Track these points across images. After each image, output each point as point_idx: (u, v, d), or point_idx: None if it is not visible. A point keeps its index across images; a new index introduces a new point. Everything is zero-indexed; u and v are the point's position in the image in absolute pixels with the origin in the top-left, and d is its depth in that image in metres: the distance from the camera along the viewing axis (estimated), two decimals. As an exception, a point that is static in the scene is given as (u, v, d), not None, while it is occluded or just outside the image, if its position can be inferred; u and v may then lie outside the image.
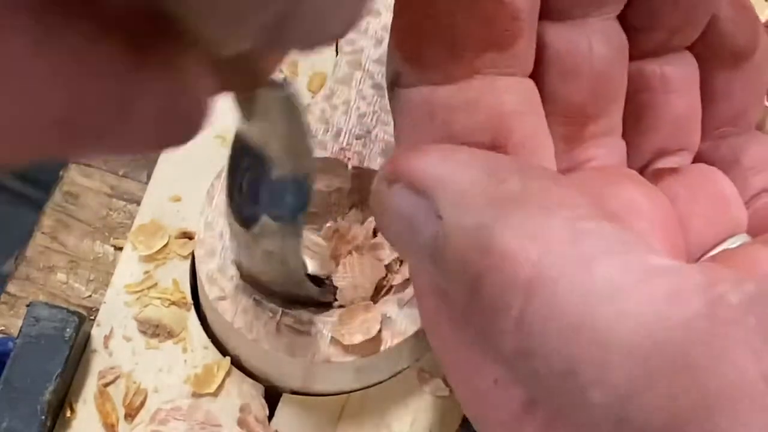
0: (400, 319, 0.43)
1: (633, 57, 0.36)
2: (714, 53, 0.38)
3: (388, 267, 0.45)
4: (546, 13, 0.34)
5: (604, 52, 0.35)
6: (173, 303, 0.47)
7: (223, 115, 0.49)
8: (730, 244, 0.36)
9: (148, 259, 0.47)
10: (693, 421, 0.25)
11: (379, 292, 0.44)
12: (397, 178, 0.33)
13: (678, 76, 0.37)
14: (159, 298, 0.47)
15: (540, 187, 0.30)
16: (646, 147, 0.38)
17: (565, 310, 0.27)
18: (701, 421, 0.25)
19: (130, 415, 0.45)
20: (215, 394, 0.45)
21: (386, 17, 0.48)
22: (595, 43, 0.35)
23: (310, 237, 0.45)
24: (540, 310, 0.28)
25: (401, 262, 0.45)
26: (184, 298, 0.47)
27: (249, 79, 0.32)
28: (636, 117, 0.37)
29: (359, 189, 0.46)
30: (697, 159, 0.39)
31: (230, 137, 0.49)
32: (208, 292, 0.44)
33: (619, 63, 0.36)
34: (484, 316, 0.29)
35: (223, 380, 0.45)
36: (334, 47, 0.50)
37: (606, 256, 0.27)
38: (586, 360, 0.27)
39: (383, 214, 0.33)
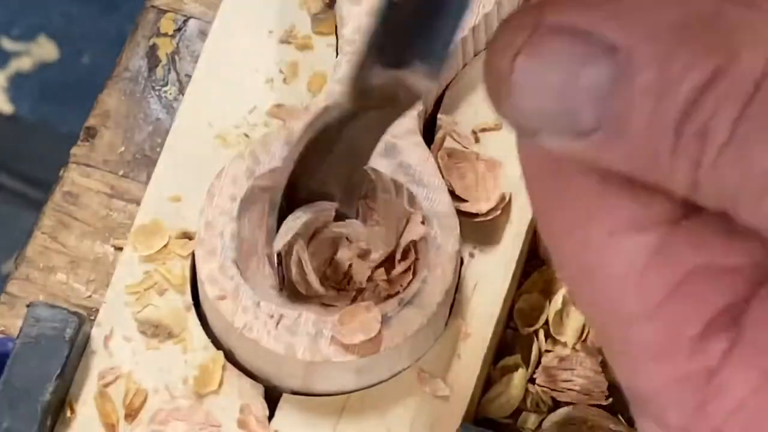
0: (400, 319, 0.43)
1: None
2: None
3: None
4: None
5: None
6: (172, 286, 0.47)
7: (224, 115, 0.49)
8: None
9: (148, 259, 0.47)
10: None
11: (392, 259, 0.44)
12: (541, 23, 0.30)
13: None
14: (158, 283, 0.47)
15: None
16: None
17: None
18: None
19: (131, 415, 0.45)
20: (217, 391, 0.45)
21: (386, 17, 0.48)
22: None
23: None
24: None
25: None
26: (183, 285, 0.47)
27: None
28: None
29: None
30: None
31: (230, 137, 0.49)
32: (209, 291, 0.44)
33: None
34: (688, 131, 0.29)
35: (223, 377, 0.45)
36: (334, 47, 0.50)
37: None
38: None
39: (518, 74, 0.31)
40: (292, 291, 0.45)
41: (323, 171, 0.43)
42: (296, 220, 0.43)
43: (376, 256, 0.44)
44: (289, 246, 0.44)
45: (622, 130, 0.30)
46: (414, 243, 0.45)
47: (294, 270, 0.44)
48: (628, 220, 0.31)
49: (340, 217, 0.45)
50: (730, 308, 0.31)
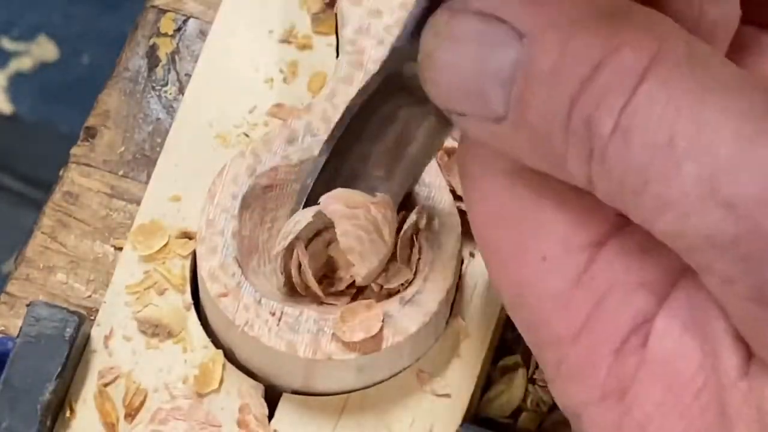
0: (401, 317, 0.43)
1: None
2: None
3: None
4: None
5: None
6: (172, 285, 0.47)
7: (224, 114, 0.49)
8: None
9: (148, 259, 0.47)
10: None
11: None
12: (464, 7, 0.32)
13: None
14: (158, 283, 0.47)
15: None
16: None
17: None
18: None
19: (130, 415, 0.45)
20: (217, 391, 0.45)
21: (388, 18, 0.48)
22: None
23: None
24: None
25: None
26: (183, 285, 0.47)
27: None
28: None
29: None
30: None
31: (230, 137, 0.49)
32: (210, 288, 0.44)
33: None
34: (581, 125, 0.30)
35: (223, 376, 0.45)
36: (334, 47, 0.50)
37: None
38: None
39: (438, 50, 0.32)
40: (292, 289, 0.45)
41: (370, 149, 0.42)
42: (296, 225, 0.43)
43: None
44: (289, 248, 0.44)
45: (523, 117, 0.31)
46: (413, 241, 0.45)
47: (294, 272, 0.44)
48: (560, 243, 0.32)
49: None
50: (641, 325, 0.32)
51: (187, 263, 0.47)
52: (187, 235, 0.47)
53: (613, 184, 0.30)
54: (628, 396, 0.32)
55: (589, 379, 0.32)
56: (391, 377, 0.45)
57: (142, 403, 0.46)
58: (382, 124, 0.41)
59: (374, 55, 0.47)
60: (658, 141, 0.29)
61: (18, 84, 1.13)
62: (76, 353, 0.46)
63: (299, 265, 0.44)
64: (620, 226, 0.33)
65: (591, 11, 0.31)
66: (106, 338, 0.47)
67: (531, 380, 0.47)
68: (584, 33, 0.30)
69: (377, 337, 0.43)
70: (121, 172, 0.50)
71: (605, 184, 0.31)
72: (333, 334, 0.43)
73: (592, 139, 0.30)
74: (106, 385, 0.46)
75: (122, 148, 0.50)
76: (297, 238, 0.43)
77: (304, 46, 0.50)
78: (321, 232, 0.45)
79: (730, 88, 0.30)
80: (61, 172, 0.50)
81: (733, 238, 0.29)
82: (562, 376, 0.33)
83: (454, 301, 0.46)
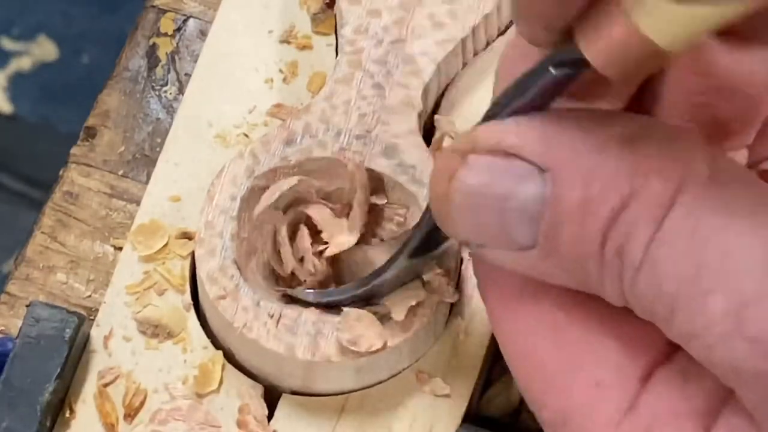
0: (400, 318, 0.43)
1: None
2: None
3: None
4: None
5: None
6: (172, 286, 0.47)
7: (223, 114, 0.49)
8: None
9: (148, 259, 0.47)
10: None
11: None
12: (475, 147, 0.32)
13: None
14: (157, 283, 0.47)
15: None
16: (760, 150, 0.37)
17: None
18: None
19: (130, 415, 0.45)
20: (217, 391, 0.45)
21: (387, 17, 0.48)
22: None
23: None
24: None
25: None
26: (182, 285, 0.47)
27: None
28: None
29: (359, 189, 0.46)
30: None
31: (230, 137, 0.49)
32: (209, 290, 0.44)
33: None
34: (613, 254, 0.30)
35: (222, 377, 0.45)
36: (334, 47, 0.50)
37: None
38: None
39: (456, 192, 0.32)
40: (277, 279, 0.45)
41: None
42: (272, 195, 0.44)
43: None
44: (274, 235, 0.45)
45: (553, 248, 0.31)
46: None
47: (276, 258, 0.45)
48: (614, 371, 0.32)
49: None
50: None
51: (187, 263, 0.47)
52: (187, 236, 0.47)
53: (647, 309, 0.31)
54: None
55: None
56: (390, 378, 0.45)
57: (141, 404, 0.46)
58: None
59: (373, 54, 0.47)
60: (685, 273, 0.29)
61: (18, 84, 1.13)
62: (76, 353, 0.46)
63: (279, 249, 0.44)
64: (667, 352, 0.33)
65: (610, 137, 0.30)
66: (106, 338, 0.47)
67: (531, 380, 0.47)
68: (609, 163, 0.30)
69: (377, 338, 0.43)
70: (121, 172, 0.50)
71: (639, 309, 0.31)
72: (332, 335, 0.43)
73: (624, 269, 0.30)
74: (105, 385, 0.46)
75: (122, 148, 0.50)
76: (276, 208, 0.44)
77: (304, 46, 0.50)
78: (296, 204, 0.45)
79: (756, 212, 0.30)
80: (61, 172, 0.50)
81: (760, 372, 0.29)
82: None
83: (454, 301, 0.46)
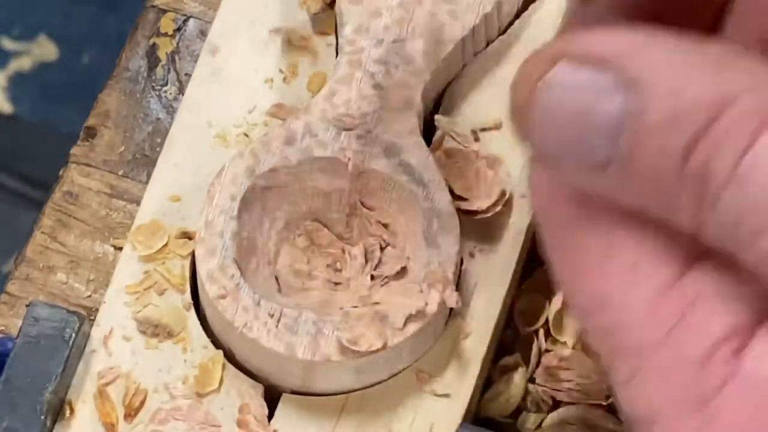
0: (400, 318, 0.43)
1: None
2: None
3: None
4: None
5: None
6: (172, 286, 0.47)
7: (223, 114, 0.49)
8: None
9: (148, 259, 0.47)
10: None
11: None
12: (564, 54, 0.31)
13: None
14: (157, 283, 0.47)
15: None
16: None
17: None
18: None
19: (130, 415, 0.45)
20: (217, 391, 0.45)
21: (387, 18, 0.48)
22: None
23: None
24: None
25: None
26: (183, 285, 0.47)
27: None
28: None
29: (359, 189, 0.46)
30: None
31: (230, 137, 0.49)
32: (209, 290, 0.44)
33: None
34: (691, 180, 0.29)
35: (223, 377, 0.45)
36: (334, 47, 0.50)
37: None
38: None
39: (540, 99, 0.31)
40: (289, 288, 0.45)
41: None
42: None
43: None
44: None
45: (631, 165, 0.31)
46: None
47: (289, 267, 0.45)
48: (650, 254, 0.32)
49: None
50: (735, 337, 0.31)
51: (187, 263, 0.47)
52: (187, 235, 0.47)
53: (725, 229, 0.30)
54: (709, 407, 0.31)
55: (670, 385, 0.31)
56: (390, 377, 0.45)
57: (141, 403, 0.46)
58: None
59: (373, 54, 0.47)
60: None
61: (18, 84, 1.13)
62: (76, 353, 0.46)
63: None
64: (706, 254, 0.32)
65: (702, 58, 0.30)
66: (106, 338, 0.47)
67: (531, 380, 0.47)
68: (703, 78, 0.30)
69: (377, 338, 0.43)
70: (121, 172, 0.50)
71: (715, 229, 0.30)
72: (332, 335, 0.43)
73: (706, 186, 0.30)
74: (105, 385, 0.46)
75: (122, 148, 0.50)
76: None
77: (304, 46, 0.50)
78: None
79: None
80: (61, 172, 0.50)
81: None
82: (637, 381, 0.32)
83: (454, 301, 0.46)
